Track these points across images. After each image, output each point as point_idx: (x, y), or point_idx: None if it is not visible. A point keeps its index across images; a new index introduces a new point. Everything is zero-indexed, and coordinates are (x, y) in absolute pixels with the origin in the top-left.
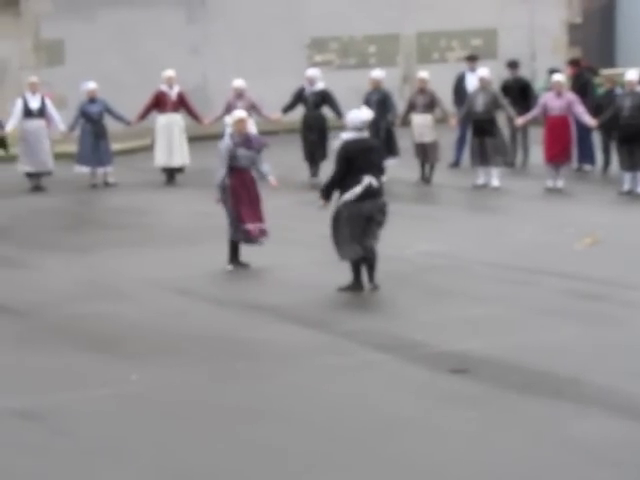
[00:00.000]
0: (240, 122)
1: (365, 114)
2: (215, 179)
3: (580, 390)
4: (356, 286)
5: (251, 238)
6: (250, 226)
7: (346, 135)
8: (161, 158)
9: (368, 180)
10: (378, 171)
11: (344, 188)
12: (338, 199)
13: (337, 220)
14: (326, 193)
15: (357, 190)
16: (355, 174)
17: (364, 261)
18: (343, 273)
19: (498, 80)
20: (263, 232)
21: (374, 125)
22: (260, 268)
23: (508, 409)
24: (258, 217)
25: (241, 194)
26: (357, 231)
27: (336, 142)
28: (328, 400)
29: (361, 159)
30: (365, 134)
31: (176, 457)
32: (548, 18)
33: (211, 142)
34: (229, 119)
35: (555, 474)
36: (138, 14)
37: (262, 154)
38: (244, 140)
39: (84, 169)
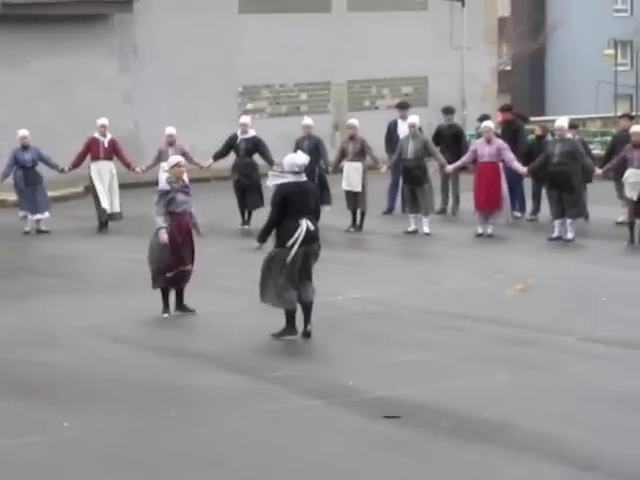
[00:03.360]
0: (177, 167)
1: (302, 158)
2: (155, 224)
3: (511, 435)
4: (290, 331)
5: (171, 284)
6: (171, 274)
7: (283, 179)
8: (105, 201)
9: (305, 224)
10: (315, 214)
11: (281, 232)
12: (275, 244)
13: (272, 265)
14: (262, 236)
15: (296, 235)
16: (292, 217)
17: (301, 306)
18: (276, 319)
19: (429, 127)
20: (185, 274)
21: (309, 172)
22: (193, 315)
23: (440, 455)
24: (186, 261)
25: (176, 239)
26: (294, 277)
27: (270, 184)
28: (261, 446)
29: (299, 202)
30: (303, 177)
31: None
32: (478, 65)
33: (142, 190)
34: (165, 165)
35: None
36: (71, 62)
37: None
38: (182, 185)
39: (25, 214)
